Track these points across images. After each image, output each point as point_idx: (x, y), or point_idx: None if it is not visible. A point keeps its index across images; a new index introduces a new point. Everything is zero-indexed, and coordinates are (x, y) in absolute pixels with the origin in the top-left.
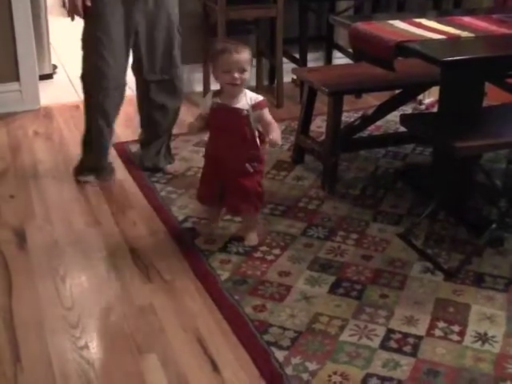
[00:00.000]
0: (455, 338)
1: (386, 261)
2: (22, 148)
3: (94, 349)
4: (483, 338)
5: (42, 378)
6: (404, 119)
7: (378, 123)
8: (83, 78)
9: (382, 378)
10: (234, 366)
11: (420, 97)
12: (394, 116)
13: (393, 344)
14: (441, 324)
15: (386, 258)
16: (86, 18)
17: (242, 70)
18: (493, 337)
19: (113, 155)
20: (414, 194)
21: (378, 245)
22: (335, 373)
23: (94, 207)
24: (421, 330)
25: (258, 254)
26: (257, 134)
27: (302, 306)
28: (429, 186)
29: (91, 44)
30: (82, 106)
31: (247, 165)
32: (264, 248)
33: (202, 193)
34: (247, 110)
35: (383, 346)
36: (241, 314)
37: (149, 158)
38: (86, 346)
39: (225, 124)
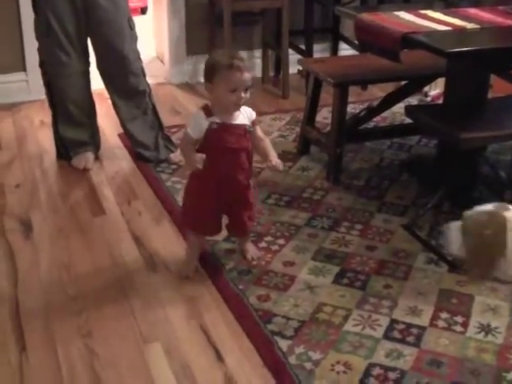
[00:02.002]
0: (458, 328)
1: (390, 251)
2: (28, 138)
3: (99, 337)
4: (486, 329)
5: (47, 366)
6: (409, 110)
7: (384, 114)
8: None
9: (385, 368)
10: (238, 355)
11: (426, 88)
12: (399, 108)
13: (396, 334)
14: (444, 315)
15: (391, 248)
16: None
17: (247, 89)
18: (496, 328)
19: (118, 145)
20: (419, 186)
21: (383, 235)
22: (338, 362)
23: (100, 197)
24: (424, 320)
25: (263, 244)
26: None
27: (305, 296)
28: (434, 178)
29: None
30: None
31: (250, 180)
32: (268, 238)
33: (205, 223)
34: (248, 126)
35: (387, 336)
36: (245, 303)
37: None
38: (91, 335)
39: (229, 143)
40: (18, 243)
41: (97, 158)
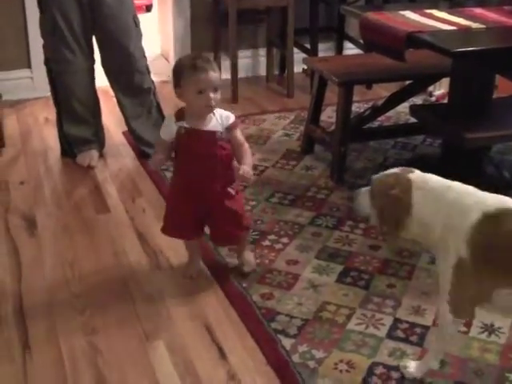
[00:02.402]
0: (462, 328)
1: (393, 251)
2: (33, 135)
3: (102, 335)
4: (489, 329)
5: (51, 363)
6: (414, 110)
7: (388, 114)
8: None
9: (388, 367)
10: (241, 353)
11: (430, 88)
12: (404, 107)
13: (400, 333)
14: None
15: (394, 248)
16: None
17: (216, 89)
18: (499, 328)
19: (122, 143)
20: None
21: None
22: (341, 361)
23: (104, 194)
24: (428, 320)
25: (267, 243)
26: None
27: (309, 295)
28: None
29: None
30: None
31: (229, 189)
32: (272, 237)
33: (175, 223)
34: (221, 132)
35: (390, 335)
36: (248, 301)
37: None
38: (94, 332)
39: (197, 150)
40: (22, 240)
41: (101, 155)
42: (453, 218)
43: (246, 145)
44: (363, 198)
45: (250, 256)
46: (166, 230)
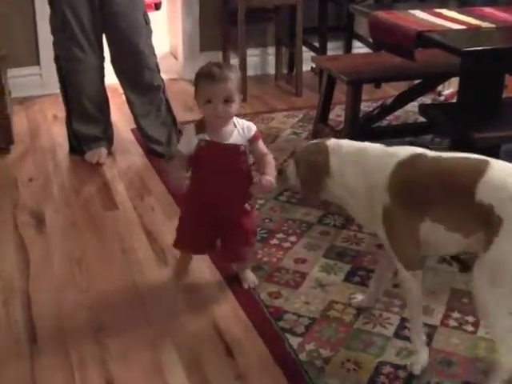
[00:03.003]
0: (469, 328)
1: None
2: (41, 132)
3: (110, 331)
4: None
5: (58, 358)
6: (423, 109)
7: (397, 113)
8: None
9: (396, 366)
10: (249, 351)
11: (439, 88)
12: (412, 106)
13: (407, 333)
14: (455, 314)
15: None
16: None
17: (228, 101)
18: None
19: (131, 140)
20: None
21: None
22: (349, 360)
23: (112, 191)
24: (435, 319)
25: (274, 241)
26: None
27: (317, 294)
28: None
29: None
30: None
31: (246, 205)
32: (280, 235)
33: (189, 238)
34: (244, 146)
35: (397, 334)
36: (256, 300)
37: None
38: (102, 329)
39: (219, 164)
40: (31, 236)
41: (110, 152)
42: (373, 175)
43: (270, 156)
44: (290, 170)
45: (251, 274)
46: (179, 244)
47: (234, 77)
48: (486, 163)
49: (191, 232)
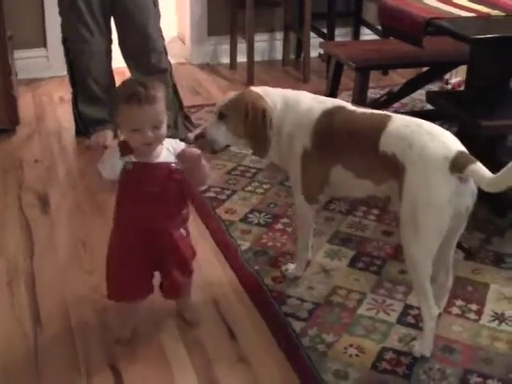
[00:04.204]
0: (472, 316)
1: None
2: (47, 114)
3: (113, 313)
4: (500, 317)
5: (62, 339)
6: (430, 96)
7: (404, 101)
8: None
9: (398, 352)
10: (252, 335)
11: (447, 76)
12: (420, 94)
13: (410, 319)
14: (458, 302)
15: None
16: None
17: (157, 126)
18: (510, 317)
19: None
20: None
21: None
22: (351, 345)
23: None
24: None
25: (279, 226)
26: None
27: (320, 279)
28: None
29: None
30: None
31: (181, 230)
32: (285, 220)
33: (127, 283)
34: (175, 163)
35: (400, 320)
36: (260, 284)
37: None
38: (105, 310)
39: (150, 187)
40: (35, 218)
41: (115, 135)
42: (300, 120)
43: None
44: (213, 129)
45: (192, 303)
46: (113, 295)
47: (161, 95)
48: (389, 117)
49: (127, 276)
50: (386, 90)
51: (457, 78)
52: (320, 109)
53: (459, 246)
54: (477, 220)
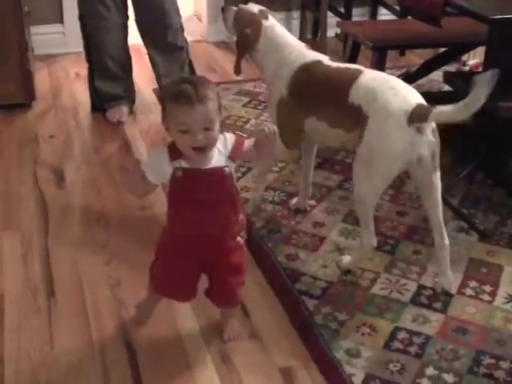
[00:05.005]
0: (486, 297)
1: (420, 218)
2: (63, 89)
3: (127, 287)
4: None
5: (75, 312)
6: (448, 77)
7: (421, 81)
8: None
9: (411, 332)
10: (264, 311)
11: (464, 58)
12: (437, 75)
13: (423, 300)
14: (472, 283)
15: (421, 215)
16: None
17: (209, 127)
18: None
19: (152, 100)
20: (453, 154)
21: (414, 202)
22: (364, 324)
23: (133, 150)
24: (452, 287)
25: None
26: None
27: (334, 257)
28: (468, 147)
29: None
30: None
31: (238, 238)
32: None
33: (175, 287)
34: (228, 167)
35: (414, 301)
36: (273, 261)
37: None
38: (119, 284)
39: (201, 194)
40: (51, 192)
41: (131, 111)
42: (281, 68)
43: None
44: (229, 18)
45: (235, 322)
46: (159, 289)
47: (213, 95)
48: (361, 71)
49: (174, 279)
50: (403, 70)
51: (474, 59)
52: (299, 61)
53: (474, 227)
54: (491, 202)
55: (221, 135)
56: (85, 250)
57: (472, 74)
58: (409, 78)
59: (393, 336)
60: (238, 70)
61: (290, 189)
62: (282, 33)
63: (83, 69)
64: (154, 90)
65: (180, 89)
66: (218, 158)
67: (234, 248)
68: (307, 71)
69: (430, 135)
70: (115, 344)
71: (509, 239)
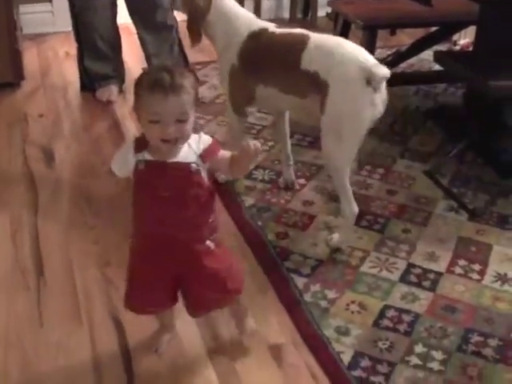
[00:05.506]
0: (475, 276)
1: (410, 197)
2: (52, 69)
3: (117, 267)
4: (503, 278)
5: (64, 291)
6: (438, 56)
7: (411, 61)
8: None
9: (400, 310)
10: (254, 289)
11: (455, 37)
12: (427, 55)
13: (413, 278)
14: (462, 262)
15: (411, 194)
16: None
17: (181, 119)
18: None
19: None
20: (443, 134)
21: (404, 181)
22: (353, 302)
23: (123, 130)
24: (441, 266)
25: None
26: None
27: (324, 236)
28: (458, 127)
29: None
30: None
31: (208, 242)
32: None
33: (141, 296)
34: (196, 164)
35: (403, 279)
36: (263, 239)
37: None
38: (109, 264)
39: (163, 190)
40: (40, 172)
41: (121, 91)
42: (232, 37)
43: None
44: None
45: (249, 321)
46: (129, 305)
47: (189, 85)
48: (307, 36)
49: (142, 288)
50: (394, 49)
51: (465, 39)
52: (248, 30)
53: (463, 206)
54: (482, 181)
55: (196, 134)
56: (74, 229)
57: (462, 52)
58: (399, 57)
59: (382, 314)
60: (195, 40)
61: (279, 167)
62: (231, 4)
63: (72, 48)
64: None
65: (157, 77)
66: (186, 152)
67: (204, 253)
68: (255, 39)
69: (384, 92)
70: (104, 321)
71: (498, 218)
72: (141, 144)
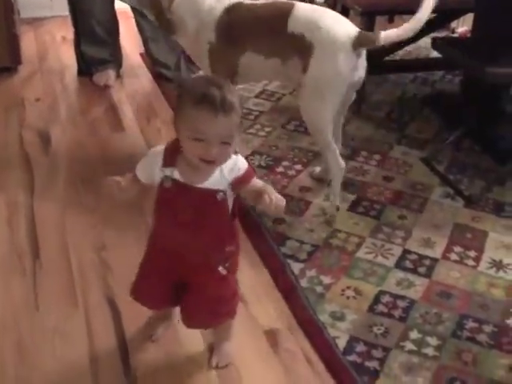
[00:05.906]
0: (470, 262)
1: (407, 183)
2: (50, 53)
3: (113, 251)
4: (498, 265)
5: (60, 275)
6: (436, 43)
7: (409, 48)
8: None
9: (395, 296)
10: (250, 274)
11: (453, 25)
12: (425, 42)
13: (408, 264)
14: (457, 248)
15: (408, 180)
16: None
17: (227, 142)
18: (508, 264)
19: (139, 64)
20: (440, 121)
21: (401, 167)
22: (349, 287)
23: (120, 113)
24: (437, 252)
25: (280, 169)
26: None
27: (320, 222)
28: (456, 114)
29: None
30: None
31: (220, 268)
32: (286, 163)
33: (142, 291)
34: (224, 192)
35: (398, 265)
36: (260, 225)
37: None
38: (105, 248)
39: (186, 214)
40: (37, 155)
41: (118, 75)
42: (204, 17)
43: (268, 186)
44: None
45: (228, 346)
46: (133, 295)
47: (238, 104)
48: (292, 3)
49: (146, 280)
50: None
51: (463, 27)
52: (221, 7)
53: (459, 193)
54: (478, 168)
55: (233, 155)
56: (71, 213)
57: (460, 39)
58: (397, 44)
59: (377, 299)
60: (171, 32)
61: (277, 153)
62: None
63: (70, 32)
64: (141, 54)
65: (206, 91)
66: (217, 178)
67: (213, 278)
68: (233, 12)
69: (364, 60)
70: (100, 304)
71: (494, 205)
72: (171, 158)
